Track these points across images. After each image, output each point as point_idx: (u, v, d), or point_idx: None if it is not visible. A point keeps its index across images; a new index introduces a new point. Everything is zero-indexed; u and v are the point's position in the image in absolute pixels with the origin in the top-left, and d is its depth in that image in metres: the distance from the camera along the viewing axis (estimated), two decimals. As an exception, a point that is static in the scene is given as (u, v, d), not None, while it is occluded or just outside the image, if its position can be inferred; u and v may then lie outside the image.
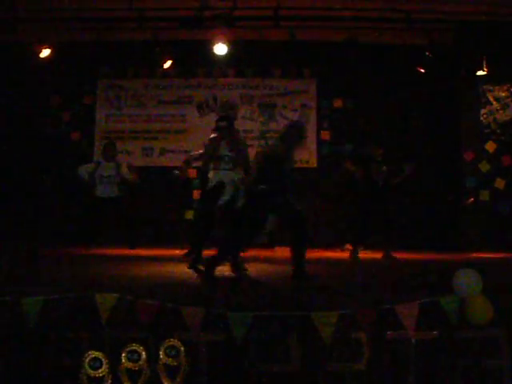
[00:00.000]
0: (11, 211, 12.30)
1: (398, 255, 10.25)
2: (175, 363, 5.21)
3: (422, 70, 11.75)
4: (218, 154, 7.87)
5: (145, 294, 5.48)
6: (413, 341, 5.37)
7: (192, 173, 12.77)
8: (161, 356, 5.22)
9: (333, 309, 5.32)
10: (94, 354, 5.25)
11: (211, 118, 12.85)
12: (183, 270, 7.84)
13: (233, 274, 7.41)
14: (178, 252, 10.70)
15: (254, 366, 5.24)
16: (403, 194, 11.78)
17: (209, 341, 5.27)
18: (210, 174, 7.95)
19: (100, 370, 5.20)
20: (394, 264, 9.38)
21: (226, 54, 11.39)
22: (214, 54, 11.37)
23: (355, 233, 10.36)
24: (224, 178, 7.84)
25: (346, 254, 10.42)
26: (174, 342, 5.24)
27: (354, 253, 10.03)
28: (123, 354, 5.23)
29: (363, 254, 10.46)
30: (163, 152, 13.03)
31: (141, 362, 5.23)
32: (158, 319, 5.31)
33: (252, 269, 8.10)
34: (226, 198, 7.81)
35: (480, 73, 11.58)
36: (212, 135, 8.03)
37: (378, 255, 10.07)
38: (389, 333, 5.40)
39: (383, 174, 9.95)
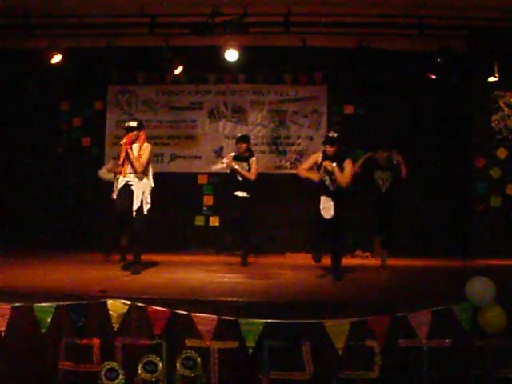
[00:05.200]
0: (19, 217, 12.36)
1: (410, 262, 10.24)
2: (192, 374, 5.20)
3: (434, 77, 11.70)
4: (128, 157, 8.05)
5: (156, 301, 5.48)
6: (425, 349, 5.35)
7: (202, 178, 12.82)
8: (178, 367, 5.22)
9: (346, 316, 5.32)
10: (110, 364, 5.25)
11: (222, 124, 12.94)
12: (194, 276, 7.85)
13: None
14: (187, 258, 10.73)
15: (267, 374, 5.23)
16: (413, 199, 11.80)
17: (221, 348, 5.27)
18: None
19: (116, 381, 5.20)
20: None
21: (237, 60, 11.37)
22: (225, 60, 11.35)
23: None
24: (129, 180, 8.03)
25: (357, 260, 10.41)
26: (191, 353, 5.24)
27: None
28: (140, 365, 5.23)
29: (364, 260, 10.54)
30: (174, 158, 13.01)
31: (158, 374, 5.22)
32: (169, 326, 5.31)
33: (264, 276, 8.12)
34: (138, 200, 7.93)
35: (491, 79, 11.53)
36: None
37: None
38: (401, 341, 5.39)
39: (387, 179, 9.76)
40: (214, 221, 12.60)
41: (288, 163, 12.81)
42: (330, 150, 7.87)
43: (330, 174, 7.79)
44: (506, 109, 12.08)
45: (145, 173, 8.07)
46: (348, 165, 7.91)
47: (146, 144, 8.22)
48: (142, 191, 7.95)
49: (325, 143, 7.99)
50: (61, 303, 5.42)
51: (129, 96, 13.23)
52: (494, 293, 5.31)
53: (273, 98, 13.05)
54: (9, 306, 5.42)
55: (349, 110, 12.90)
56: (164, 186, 12.27)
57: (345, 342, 5.24)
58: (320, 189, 7.88)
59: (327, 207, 7.75)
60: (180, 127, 13.13)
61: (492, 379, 5.33)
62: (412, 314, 5.35)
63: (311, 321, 5.28)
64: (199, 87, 13.11)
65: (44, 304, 5.42)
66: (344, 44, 11.74)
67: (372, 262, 10.23)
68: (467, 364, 5.39)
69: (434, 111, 12.33)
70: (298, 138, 12.80)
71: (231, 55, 11.23)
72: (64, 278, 7.31)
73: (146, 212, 7.94)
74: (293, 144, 12.86)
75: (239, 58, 11.31)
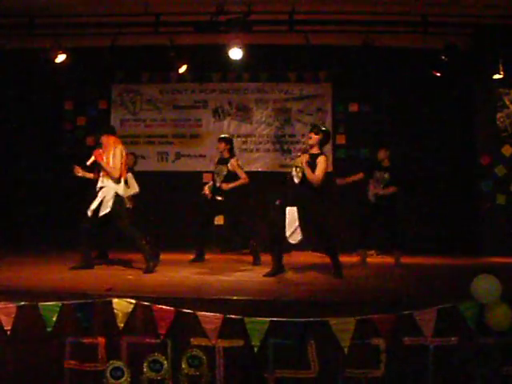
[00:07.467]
0: (24, 216, 12.38)
1: (415, 260, 10.21)
2: (197, 373, 5.20)
3: (438, 74, 11.66)
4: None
5: (161, 300, 5.47)
6: (431, 347, 5.34)
7: (207, 177, 12.81)
8: (183, 366, 5.21)
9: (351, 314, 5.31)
10: (115, 363, 5.24)
11: (227, 123, 12.93)
12: (199, 275, 7.84)
13: None
14: (192, 257, 10.69)
15: (272, 373, 5.22)
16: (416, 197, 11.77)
17: (226, 347, 5.26)
18: None
19: (122, 380, 5.19)
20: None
21: (242, 59, 11.33)
22: (229, 58, 11.32)
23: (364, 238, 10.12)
24: (100, 184, 8.18)
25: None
26: (196, 351, 5.23)
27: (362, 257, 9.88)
28: (145, 364, 5.23)
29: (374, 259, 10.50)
30: (178, 156, 13.02)
31: (163, 372, 5.22)
32: (175, 325, 5.31)
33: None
34: (96, 202, 8.08)
35: (496, 76, 11.48)
36: None
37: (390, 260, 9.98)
38: (407, 339, 5.37)
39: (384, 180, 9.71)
40: (219, 219, 12.56)
41: (292, 162, 12.78)
42: (313, 137, 7.80)
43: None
44: (510, 106, 12.05)
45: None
46: (321, 161, 7.71)
47: (114, 148, 8.37)
48: (104, 195, 8.04)
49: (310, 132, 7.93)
50: (66, 302, 5.42)
51: (133, 95, 13.25)
52: (500, 290, 5.30)
53: (277, 97, 13.05)
54: (14, 305, 5.43)
55: (353, 107, 12.89)
56: (168, 184, 12.41)
57: (350, 340, 5.23)
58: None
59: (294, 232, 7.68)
60: (184, 126, 13.14)
61: (497, 377, 5.32)
62: (417, 312, 5.34)
63: (316, 319, 5.27)
64: (203, 86, 13.12)
65: (49, 303, 5.42)
66: (348, 42, 11.71)
67: (377, 260, 10.21)
68: (473, 362, 5.37)
69: (439, 109, 12.29)
70: (303, 136, 12.76)
71: (235, 54, 11.20)
72: (69, 276, 7.31)
73: (100, 214, 8.02)
74: (297, 142, 12.84)
75: (243, 57, 11.28)
